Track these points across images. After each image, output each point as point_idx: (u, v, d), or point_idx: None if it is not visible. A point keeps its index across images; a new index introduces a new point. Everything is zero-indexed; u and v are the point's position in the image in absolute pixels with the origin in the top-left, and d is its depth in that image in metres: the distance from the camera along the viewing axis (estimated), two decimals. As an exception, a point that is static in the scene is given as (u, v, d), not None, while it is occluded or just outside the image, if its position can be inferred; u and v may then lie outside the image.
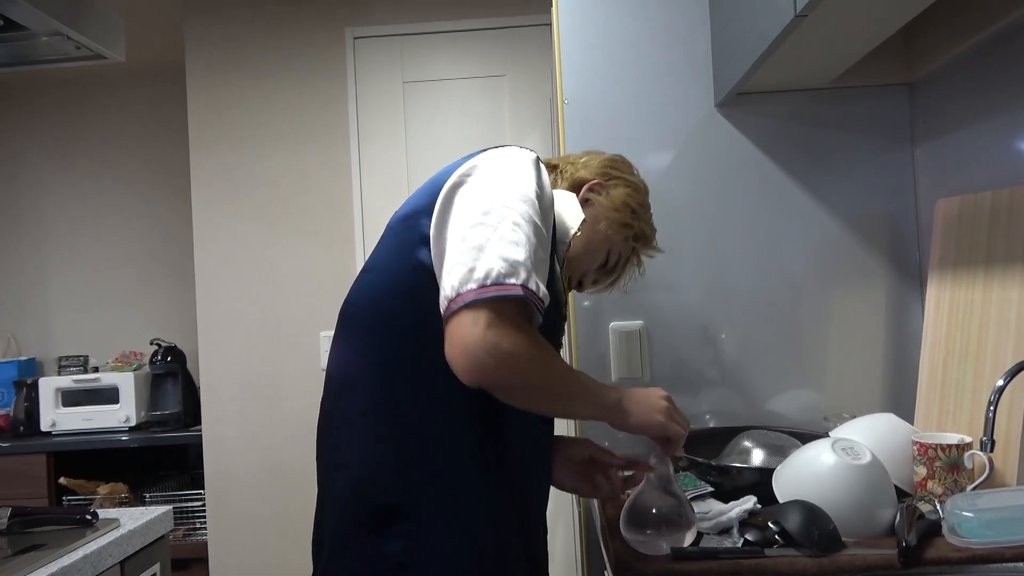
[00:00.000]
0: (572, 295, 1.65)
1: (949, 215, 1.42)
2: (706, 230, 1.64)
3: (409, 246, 1.01)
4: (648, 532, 1.07)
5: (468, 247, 0.93)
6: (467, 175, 1.00)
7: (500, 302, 0.90)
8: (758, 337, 1.64)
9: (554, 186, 1.21)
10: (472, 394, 0.94)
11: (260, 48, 2.85)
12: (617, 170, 1.24)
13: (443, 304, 0.92)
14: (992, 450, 0.91)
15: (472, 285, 0.90)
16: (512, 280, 0.90)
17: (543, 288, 0.94)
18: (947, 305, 1.40)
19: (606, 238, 1.19)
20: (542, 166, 1.04)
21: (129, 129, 3.53)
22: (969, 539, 1.04)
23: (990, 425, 0.89)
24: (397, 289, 1.01)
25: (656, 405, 1.09)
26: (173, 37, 3.02)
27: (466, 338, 0.89)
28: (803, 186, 1.64)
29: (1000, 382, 0.90)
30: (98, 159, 3.52)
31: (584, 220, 1.14)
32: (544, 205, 1.00)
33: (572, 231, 1.11)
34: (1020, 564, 1.01)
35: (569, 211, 1.14)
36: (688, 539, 1.07)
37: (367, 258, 1.10)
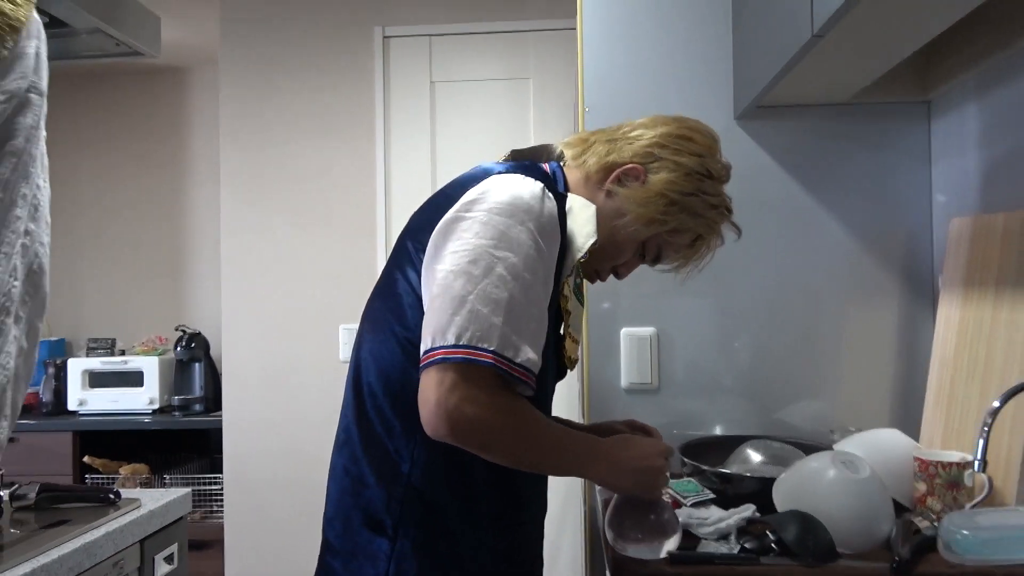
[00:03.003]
0: (587, 302, 1.68)
1: (962, 234, 1.43)
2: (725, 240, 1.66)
3: (404, 265, 1.03)
4: (632, 537, 1.08)
5: (450, 297, 0.92)
6: (467, 211, 0.98)
7: (469, 365, 0.90)
8: (770, 348, 1.66)
9: (579, 169, 1.12)
10: None
11: (292, 43, 2.91)
12: (667, 149, 1.07)
13: (421, 351, 0.94)
14: (984, 469, 0.92)
15: (443, 343, 0.91)
16: (485, 345, 0.90)
17: (527, 352, 0.92)
18: (956, 324, 1.41)
19: (629, 236, 1.08)
20: (547, 200, 0.99)
21: (161, 119, 3.61)
22: (964, 556, 1.06)
23: (984, 444, 0.91)
24: (396, 324, 1.02)
25: (646, 479, 1.05)
26: (207, 31, 3.09)
27: (430, 397, 0.90)
28: (820, 200, 1.66)
29: (996, 403, 0.92)
30: (131, 148, 3.61)
31: (595, 240, 1.03)
32: (544, 244, 0.97)
33: (579, 254, 1.03)
34: (1013, 583, 1.03)
35: (580, 229, 1.04)
36: (671, 545, 1.08)
37: (381, 274, 1.10)
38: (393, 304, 1.03)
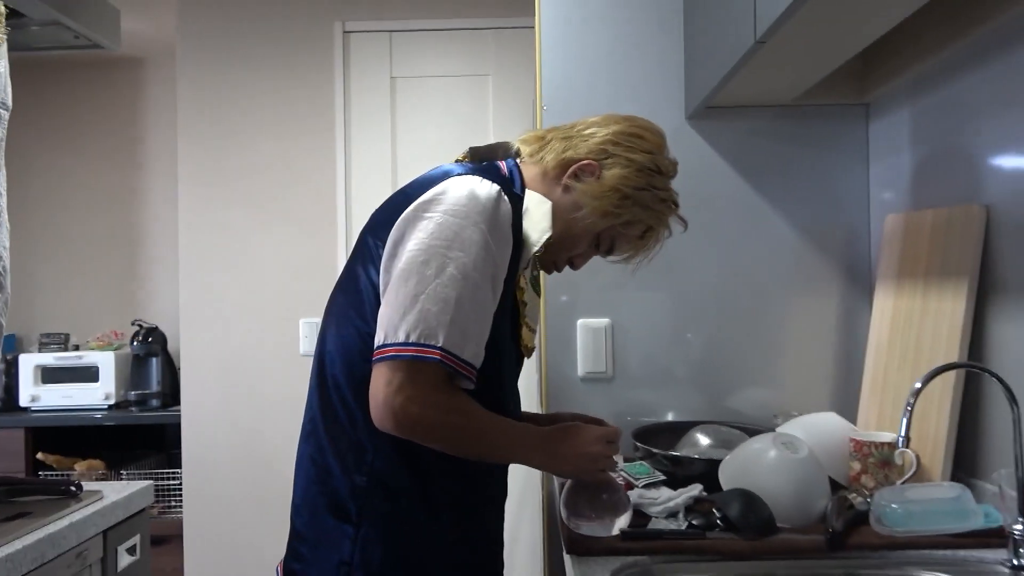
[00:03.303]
0: (544, 294, 1.74)
1: (895, 230, 1.52)
2: (675, 234, 1.73)
3: (365, 264, 1.07)
4: (586, 515, 1.14)
5: (403, 295, 0.99)
6: (424, 211, 1.03)
7: (416, 362, 0.97)
8: (719, 338, 1.73)
9: (536, 165, 1.16)
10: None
11: (251, 38, 2.90)
12: (619, 146, 1.12)
13: (375, 345, 1.00)
14: (907, 445, 1.00)
15: (394, 340, 0.97)
16: (432, 342, 0.97)
17: (471, 348, 1.00)
18: (890, 314, 1.50)
19: (585, 229, 1.14)
20: (502, 203, 1.04)
21: (117, 110, 3.55)
22: (893, 528, 1.14)
23: (907, 422, 0.99)
24: (360, 325, 1.06)
25: (585, 464, 1.11)
26: (165, 23, 3.07)
27: (378, 394, 0.98)
28: (766, 197, 1.74)
29: (917, 384, 1.00)
30: (85, 140, 3.55)
31: (549, 235, 1.09)
32: (496, 246, 1.02)
33: (535, 248, 1.09)
34: (936, 551, 1.12)
35: (535, 226, 1.09)
36: (622, 523, 1.14)
37: (343, 269, 1.14)
38: (355, 299, 1.08)
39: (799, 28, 1.15)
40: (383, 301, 1.02)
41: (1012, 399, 1.01)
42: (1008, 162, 1.23)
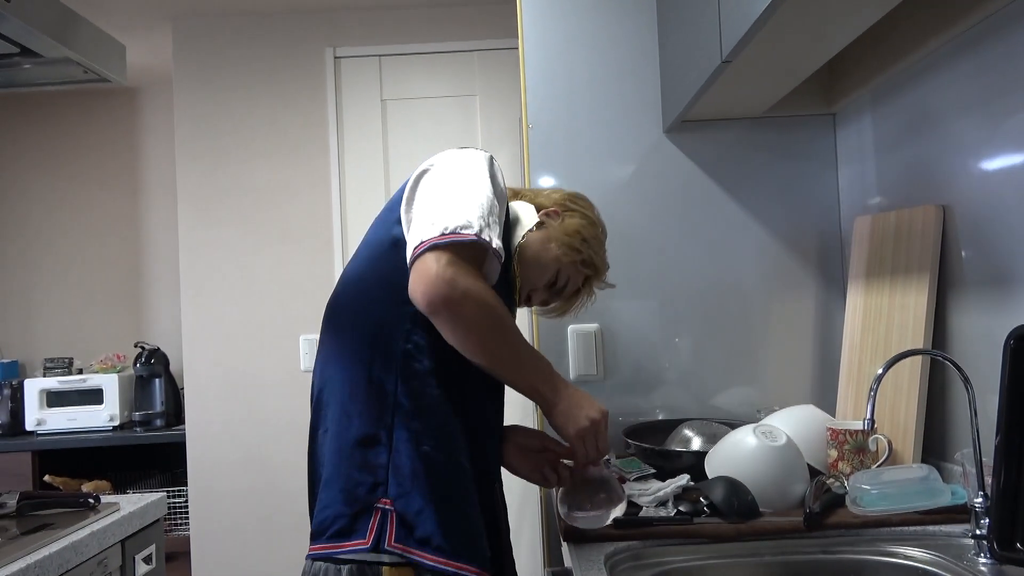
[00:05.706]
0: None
1: (863, 231, 1.62)
2: (659, 243, 1.83)
3: (385, 228, 1.18)
4: (586, 509, 1.21)
5: (430, 209, 1.10)
6: (431, 164, 1.18)
7: (458, 246, 1.05)
8: (704, 340, 1.82)
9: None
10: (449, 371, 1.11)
11: (245, 65, 3.00)
12: (576, 204, 1.35)
13: (409, 253, 1.07)
14: (873, 427, 1.09)
15: (433, 233, 1.05)
16: (467, 231, 1.05)
17: (497, 241, 1.08)
18: (861, 310, 1.60)
19: (555, 258, 1.28)
20: (496, 164, 1.20)
21: (115, 138, 3.64)
22: (867, 508, 1.23)
23: (871, 406, 1.07)
24: (378, 272, 1.16)
25: (584, 418, 1.15)
26: (160, 51, 3.16)
27: (428, 272, 1.03)
28: (743, 204, 1.83)
29: (879, 371, 1.08)
30: (84, 167, 3.63)
31: (538, 221, 1.27)
32: (497, 186, 1.15)
33: (526, 228, 1.25)
34: (906, 528, 1.20)
35: (525, 212, 1.28)
36: (618, 512, 1.21)
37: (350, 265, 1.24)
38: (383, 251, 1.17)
39: (762, 47, 1.25)
40: (411, 230, 1.11)
41: (967, 382, 1.10)
42: (960, 165, 1.33)
